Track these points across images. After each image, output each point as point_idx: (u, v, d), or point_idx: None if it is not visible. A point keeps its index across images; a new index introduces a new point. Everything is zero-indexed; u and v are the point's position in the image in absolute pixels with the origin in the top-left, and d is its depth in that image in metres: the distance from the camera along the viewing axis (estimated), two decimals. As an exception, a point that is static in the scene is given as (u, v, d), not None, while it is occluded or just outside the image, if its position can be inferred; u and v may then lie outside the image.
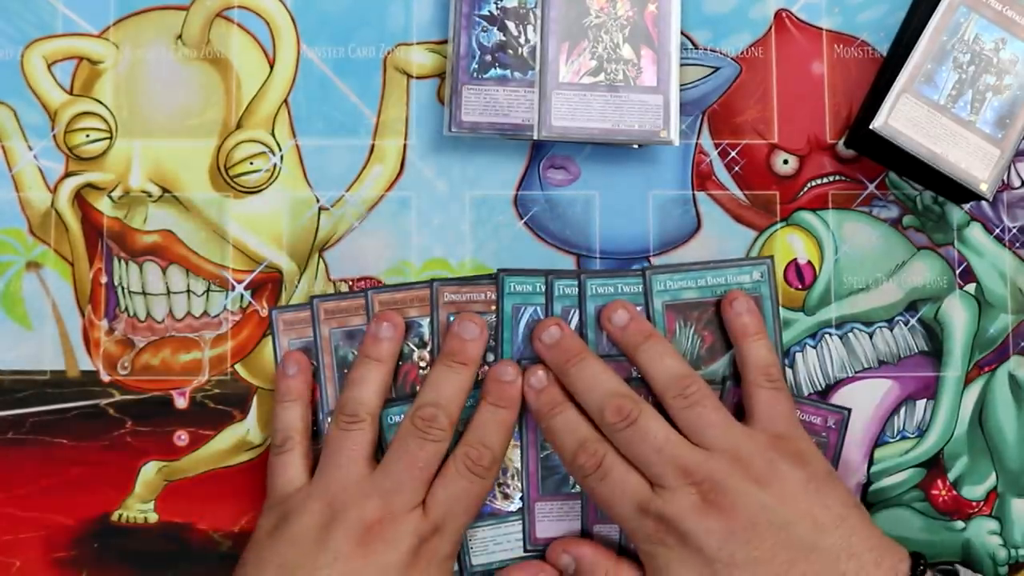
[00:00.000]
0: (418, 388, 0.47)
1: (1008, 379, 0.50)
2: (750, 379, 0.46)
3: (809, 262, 0.50)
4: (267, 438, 0.49)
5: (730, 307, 0.48)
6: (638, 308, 0.48)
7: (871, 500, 0.49)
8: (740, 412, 0.47)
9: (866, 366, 0.50)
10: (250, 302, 0.50)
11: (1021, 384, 0.50)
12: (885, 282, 0.50)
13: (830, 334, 0.50)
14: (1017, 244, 0.50)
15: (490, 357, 0.48)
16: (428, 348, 0.48)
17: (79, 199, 0.50)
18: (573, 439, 0.45)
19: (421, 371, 0.48)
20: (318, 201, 0.50)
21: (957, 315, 0.50)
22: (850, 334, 0.50)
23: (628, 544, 0.47)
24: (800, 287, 0.50)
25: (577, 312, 0.48)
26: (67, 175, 0.50)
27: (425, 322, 0.48)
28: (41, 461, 0.49)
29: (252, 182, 0.50)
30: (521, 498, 0.48)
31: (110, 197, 0.50)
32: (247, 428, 0.49)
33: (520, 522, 0.48)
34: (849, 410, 0.49)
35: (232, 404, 0.49)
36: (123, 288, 0.49)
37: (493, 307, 0.49)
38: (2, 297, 0.50)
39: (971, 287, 0.50)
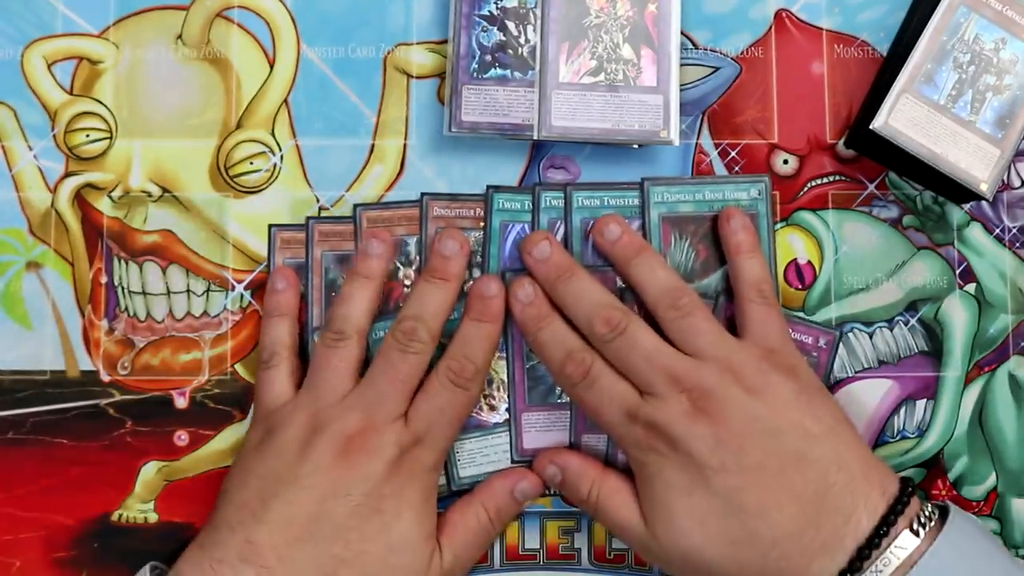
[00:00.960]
0: (402, 306, 0.48)
1: (1008, 379, 0.50)
2: (743, 295, 0.46)
3: (809, 262, 0.50)
4: (267, 438, 0.49)
5: (726, 223, 0.48)
6: (628, 222, 0.48)
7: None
8: (733, 329, 0.47)
9: (866, 366, 0.50)
10: (250, 302, 0.50)
11: (1021, 384, 0.50)
12: (885, 282, 0.50)
13: (844, 333, 0.49)
14: (1017, 244, 0.50)
15: (476, 273, 0.49)
16: (414, 267, 0.49)
17: (79, 199, 0.50)
18: (561, 349, 0.45)
19: (406, 289, 0.49)
20: (318, 201, 0.50)
21: (957, 315, 0.50)
22: (850, 334, 0.50)
23: (615, 455, 0.47)
24: (800, 287, 0.50)
25: (563, 224, 0.49)
26: (67, 175, 0.50)
27: (412, 240, 0.49)
28: (41, 461, 0.49)
29: (252, 182, 0.50)
30: (507, 409, 0.48)
31: (110, 197, 0.50)
32: (247, 428, 0.49)
33: (506, 433, 0.48)
34: (841, 331, 0.49)
35: (232, 404, 0.49)
36: (123, 288, 0.49)
37: (481, 223, 0.49)
38: (2, 297, 0.50)
39: (971, 287, 0.50)
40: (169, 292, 0.50)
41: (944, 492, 0.49)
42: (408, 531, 0.43)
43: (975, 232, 0.50)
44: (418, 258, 0.49)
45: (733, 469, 0.41)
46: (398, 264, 0.49)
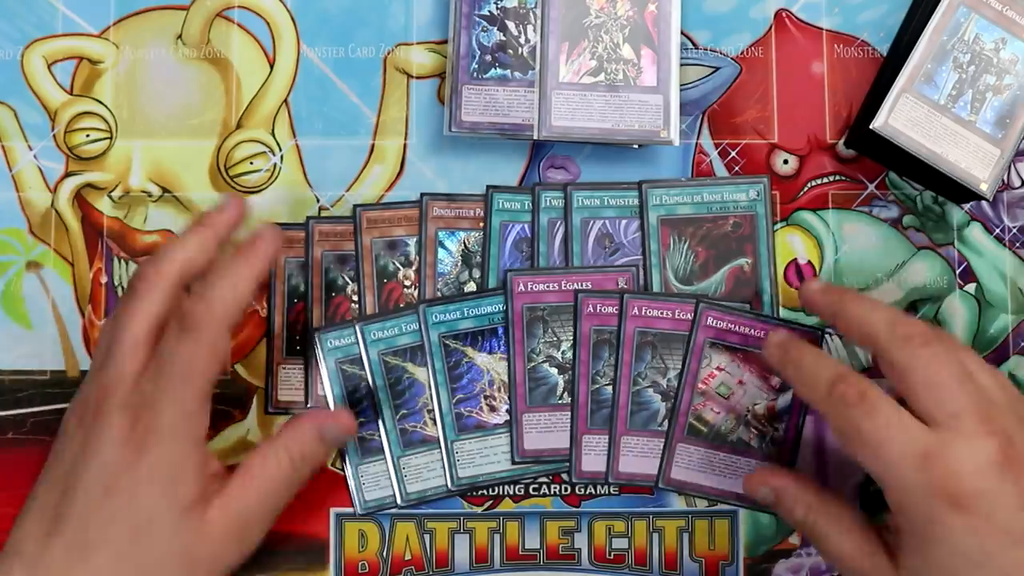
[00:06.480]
0: (402, 306, 0.48)
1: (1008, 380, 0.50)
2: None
3: (809, 262, 0.50)
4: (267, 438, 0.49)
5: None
6: (628, 222, 0.48)
7: (871, 500, 0.49)
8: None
9: (866, 366, 0.50)
10: (250, 302, 0.50)
11: (1021, 384, 0.50)
12: (885, 282, 0.50)
13: (830, 334, 0.49)
14: (1017, 244, 0.50)
15: (476, 273, 0.49)
16: (414, 267, 0.49)
17: (79, 199, 0.50)
18: (829, 369, 0.40)
19: (406, 290, 0.49)
20: (318, 201, 0.50)
21: (957, 315, 0.50)
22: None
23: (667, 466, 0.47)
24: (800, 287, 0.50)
25: (563, 224, 0.49)
26: (67, 175, 0.50)
27: (412, 241, 0.49)
28: (41, 461, 0.48)
29: (252, 182, 0.50)
30: (508, 410, 0.48)
31: (110, 197, 0.50)
32: (247, 428, 0.49)
33: (507, 434, 0.48)
34: (823, 331, 0.49)
35: (232, 404, 0.49)
36: (123, 288, 0.49)
37: (481, 223, 0.49)
38: (2, 297, 0.50)
39: (971, 287, 0.50)
40: (169, 292, 0.49)
41: (944, 492, 0.49)
42: (155, 508, 0.38)
43: (975, 232, 0.50)
44: (418, 258, 0.49)
45: None
46: (397, 264, 0.49)
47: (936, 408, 0.37)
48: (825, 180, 0.50)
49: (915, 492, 0.37)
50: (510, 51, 0.48)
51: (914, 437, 0.37)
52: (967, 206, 0.50)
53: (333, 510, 0.49)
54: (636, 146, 0.49)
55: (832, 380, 0.39)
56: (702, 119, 0.51)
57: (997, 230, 0.50)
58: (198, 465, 0.40)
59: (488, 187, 0.49)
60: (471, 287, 0.49)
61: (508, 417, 0.48)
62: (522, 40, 0.48)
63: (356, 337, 0.48)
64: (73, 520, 0.38)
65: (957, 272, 0.50)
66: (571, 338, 0.48)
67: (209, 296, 0.40)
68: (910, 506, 0.37)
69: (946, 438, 0.37)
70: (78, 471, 0.39)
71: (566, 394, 0.48)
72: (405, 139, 0.50)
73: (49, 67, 0.50)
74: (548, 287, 0.48)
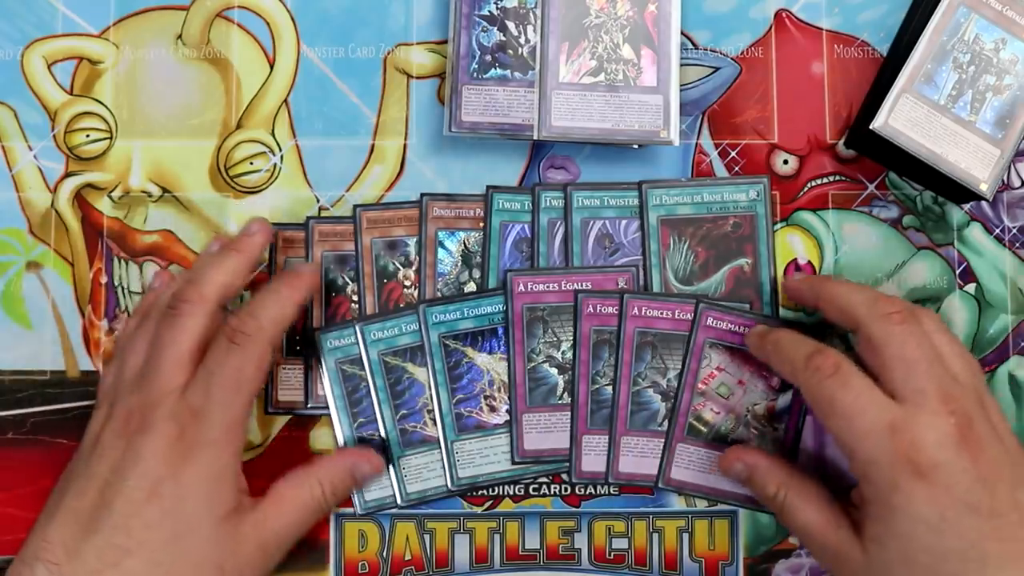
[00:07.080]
0: (402, 306, 0.48)
1: (1008, 379, 0.50)
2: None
3: (809, 262, 0.50)
4: (267, 438, 0.49)
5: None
6: (628, 222, 0.48)
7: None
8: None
9: (866, 366, 0.50)
10: (250, 302, 0.50)
11: (1021, 384, 0.50)
12: (885, 282, 0.50)
13: (831, 334, 0.49)
14: (1017, 244, 0.50)
15: (476, 273, 0.49)
16: (414, 267, 0.49)
17: (79, 199, 0.50)
18: (806, 345, 0.42)
19: (406, 290, 0.49)
20: (318, 201, 0.50)
21: (957, 315, 0.50)
22: (851, 334, 0.50)
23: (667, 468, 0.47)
24: (800, 287, 0.50)
25: (563, 224, 0.49)
26: (67, 175, 0.50)
27: (412, 241, 0.49)
28: (41, 461, 0.49)
29: (252, 182, 0.50)
30: (508, 411, 0.48)
31: (110, 197, 0.50)
32: (247, 428, 0.49)
33: (507, 435, 0.48)
34: (825, 331, 0.49)
35: (232, 404, 0.49)
36: (123, 288, 0.49)
37: (481, 223, 0.49)
38: (2, 297, 0.50)
39: (971, 287, 0.50)
40: (169, 292, 0.49)
41: (944, 492, 0.49)
42: (195, 515, 0.40)
43: (975, 232, 0.50)
44: (417, 259, 0.49)
45: (985, 513, 0.37)
46: (397, 264, 0.49)
47: (903, 384, 0.40)
48: (825, 180, 0.50)
49: (881, 461, 0.39)
50: (510, 51, 0.48)
51: (883, 409, 0.39)
52: (967, 206, 0.50)
53: (333, 510, 0.49)
54: (636, 146, 0.49)
55: (809, 354, 0.41)
56: (702, 119, 0.51)
57: (997, 230, 0.50)
58: (237, 475, 0.42)
59: (488, 187, 0.49)
60: (471, 287, 0.49)
61: (508, 417, 0.48)
62: (522, 40, 0.48)
63: (356, 337, 0.48)
64: (110, 526, 0.39)
65: (957, 272, 0.50)
66: (571, 338, 0.48)
67: (260, 314, 0.43)
68: (876, 475, 0.39)
69: (911, 412, 0.39)
70: (119, 479, 0.40)
71: (566, 394, 0.48)
72: (405, 139, 0.50)
73: (49, 67, 0.50)
74: (548, 287, 0.48)
